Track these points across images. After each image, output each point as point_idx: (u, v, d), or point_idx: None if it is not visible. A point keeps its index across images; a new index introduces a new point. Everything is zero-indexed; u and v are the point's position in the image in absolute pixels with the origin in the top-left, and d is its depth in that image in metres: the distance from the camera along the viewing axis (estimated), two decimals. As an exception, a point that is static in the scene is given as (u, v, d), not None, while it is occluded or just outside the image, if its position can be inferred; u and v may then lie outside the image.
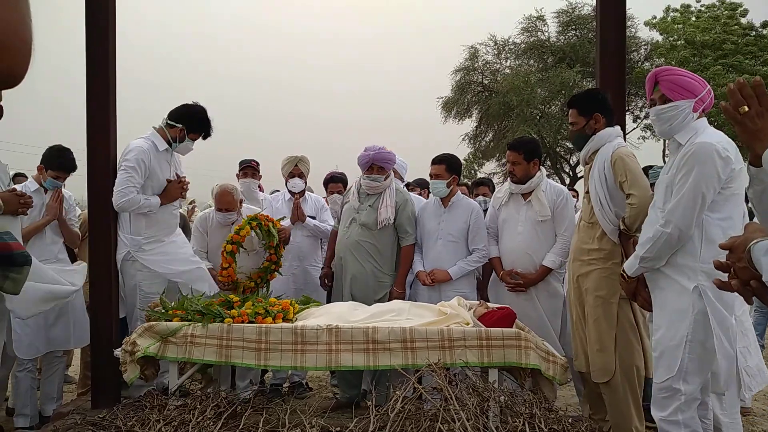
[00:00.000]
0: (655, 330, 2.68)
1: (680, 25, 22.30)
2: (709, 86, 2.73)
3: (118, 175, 3.83)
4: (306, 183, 4.89)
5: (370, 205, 4.11)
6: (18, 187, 3.85)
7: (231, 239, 3.94)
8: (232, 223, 4.17)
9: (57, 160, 3.92)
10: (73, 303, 3.84)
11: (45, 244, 3.87)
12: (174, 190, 3.97)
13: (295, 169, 4.79)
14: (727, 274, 1.50)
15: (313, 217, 4.77)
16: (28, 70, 0.67)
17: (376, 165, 4.09)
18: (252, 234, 4.08)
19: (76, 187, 4.24)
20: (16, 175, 5.14)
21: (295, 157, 4.81)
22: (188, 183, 4.08)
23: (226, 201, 4.14)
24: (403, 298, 3.94)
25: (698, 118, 2.67)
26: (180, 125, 3.94)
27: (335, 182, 5.28)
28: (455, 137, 25.51)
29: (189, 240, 4.39)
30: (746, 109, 1.43)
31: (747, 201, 2.97)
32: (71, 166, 3.98)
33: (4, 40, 0.63)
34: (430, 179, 4.20)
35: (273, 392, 4.40)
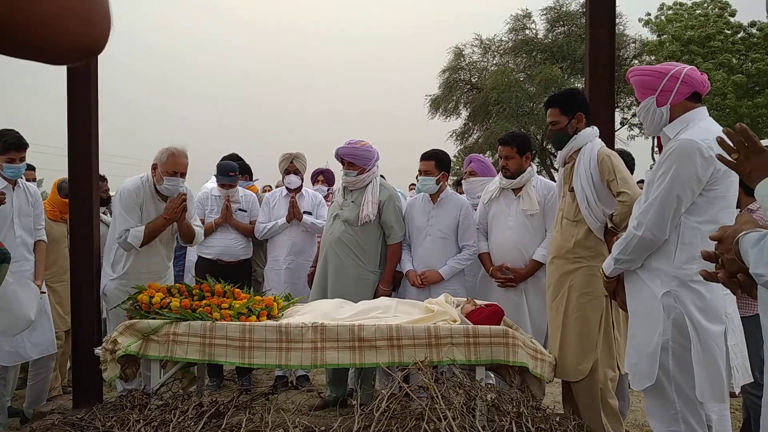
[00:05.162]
0: (631, 336, 2.59)
1: (674, 23, 22.49)
2: (674, 71, 2.49)
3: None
4: (302, 179, 4.93)
5: (353, 201, 4.07)
6: None
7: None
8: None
9: (2, 143, 3.59)
10: (47, 305, 3.78)
11: (15, 245, 3.55)
12: None
13: (291, 166, 4.82)
14: (714, 265, 1.48)
15: (310, 213, 4.77)
16: (108, 41, 0.73)
17: (346, 160, 4.07)
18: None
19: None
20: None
21: (291, 154, 4.87)
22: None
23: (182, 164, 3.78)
24: (389, 296, 3.89)
25: (672, 107, 2.49)
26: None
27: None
28: (441, 133, 25.58)
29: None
30: (737, 155, 1.58)
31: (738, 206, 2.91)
32: (19, 144, 3.64)
33: (89, 13, 0.68)
34: (419, 175, 4.17)
35: (279, 385, 4.52)
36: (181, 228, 3.87)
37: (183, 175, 3.78)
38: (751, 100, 20.67)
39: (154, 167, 3.77)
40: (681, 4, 23.18)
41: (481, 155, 4.91)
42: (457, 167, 25.12)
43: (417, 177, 6.65)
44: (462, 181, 4.80)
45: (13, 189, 3.71)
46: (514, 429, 2.44)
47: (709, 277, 1.49)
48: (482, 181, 4.30)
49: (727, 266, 1.40)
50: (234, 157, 5.44)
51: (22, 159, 3.69)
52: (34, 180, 4.63)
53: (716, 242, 1.45)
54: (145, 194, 3.76)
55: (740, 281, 1.38)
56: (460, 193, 5.06)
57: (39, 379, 3.94)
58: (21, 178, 3.79)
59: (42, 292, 3.75)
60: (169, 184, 3.73)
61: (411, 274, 4.00)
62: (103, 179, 4.87)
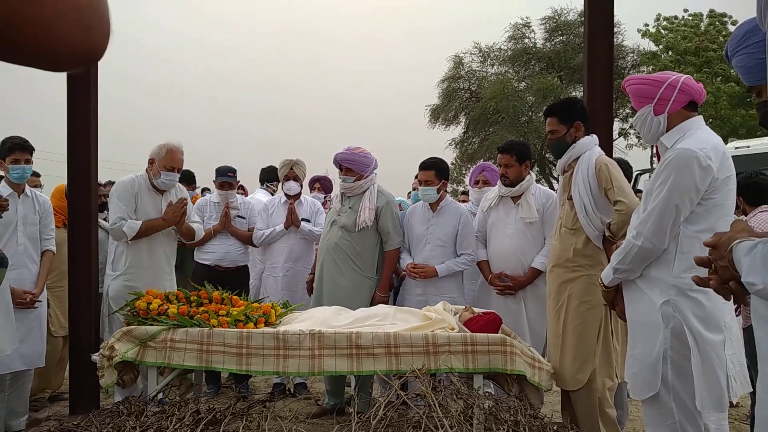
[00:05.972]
0: (631, 346, 2.58)
1: (668, 33, 22.63)
2: (671, 80, 2.51)
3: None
4: (302, 186, 4.94)
5: (350, 207, 4.08)
6: None
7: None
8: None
9: (8, 144, 3.65)
10: (42, 316, 3.73)
11: (16, 253, 3.56)
12: None
13: (291, 173, 4.84)
14: (708, 270, 1.47)
15: (308, 221, 4.77)
16: (107, 47, 0.72)
17: (344, 166, 4.09)
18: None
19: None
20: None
21: (291, 160, 4.88)
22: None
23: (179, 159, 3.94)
24: (386, 303, 3.89)
25: (670, 116, 2.49)
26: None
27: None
28: (441, 141, 25.63)
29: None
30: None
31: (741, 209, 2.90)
32: (23, 145, 3.68)
33: (88, 18, 0.67)
34: (419, 185, 4.18)
35: (277, 392, 4.60)
36: (180, 230, 4.04)
37: (179, 171, 3.97)
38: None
39: (151, 161, 3.91)
40: (676, 17, 23.34)
41: (492, 164, 4.89)
42: (455, 174, 25.20)
43: (413, 186, 6.67)
44: (471, 189, 4.80)
45: (19, 197, 3.69)
46: (512, 437, 2.44)
47: (701, 282, 1.49)
48: (493, 190, 4.26)
49: (720, 273, 1.39)
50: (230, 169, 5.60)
51: (28, 161, 3.70)
52: (36, 186, 4.61)
53: (710, 248, 1.45)
54: (140, 187, 3.90)
55: (732, 289, 1.38)
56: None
57: (15, 387, 3.71)
58: (28, 185, 3.80)
59: (38, 301, 3.70)
60: (167, 178, 3.90)
61: (408, 265, 4.00)
62: (111, 183, 4.88)
